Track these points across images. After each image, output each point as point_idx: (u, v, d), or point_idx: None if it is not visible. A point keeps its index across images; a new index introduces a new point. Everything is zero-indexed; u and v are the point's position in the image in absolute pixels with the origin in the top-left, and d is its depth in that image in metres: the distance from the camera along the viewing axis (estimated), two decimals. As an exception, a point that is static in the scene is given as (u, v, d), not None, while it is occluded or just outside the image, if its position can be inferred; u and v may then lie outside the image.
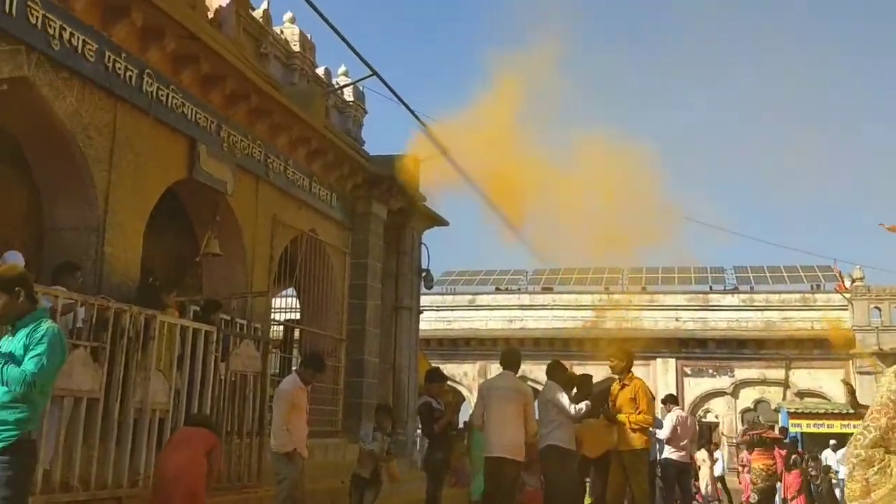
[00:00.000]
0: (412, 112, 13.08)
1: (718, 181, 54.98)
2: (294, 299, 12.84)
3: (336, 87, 13.40)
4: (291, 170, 10.85)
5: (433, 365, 17.38)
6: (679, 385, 26.57)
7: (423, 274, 15.30)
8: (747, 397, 27.22)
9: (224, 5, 9.98)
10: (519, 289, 29.72)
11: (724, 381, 27.26)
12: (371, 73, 11.80)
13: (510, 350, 8.23)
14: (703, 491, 15.77)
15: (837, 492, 15.38)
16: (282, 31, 12.07)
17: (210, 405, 7.42)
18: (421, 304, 15.91)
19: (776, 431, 18.14)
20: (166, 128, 8.29)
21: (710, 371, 27.24)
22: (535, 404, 7.72)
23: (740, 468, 16.99)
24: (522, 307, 28.40)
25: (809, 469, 15.01)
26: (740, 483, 16.58)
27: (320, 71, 12.97)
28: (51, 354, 3.75)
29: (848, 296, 26.36)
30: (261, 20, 11.23)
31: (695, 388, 27.19)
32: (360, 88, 14.01)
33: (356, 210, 12.76)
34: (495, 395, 7.32)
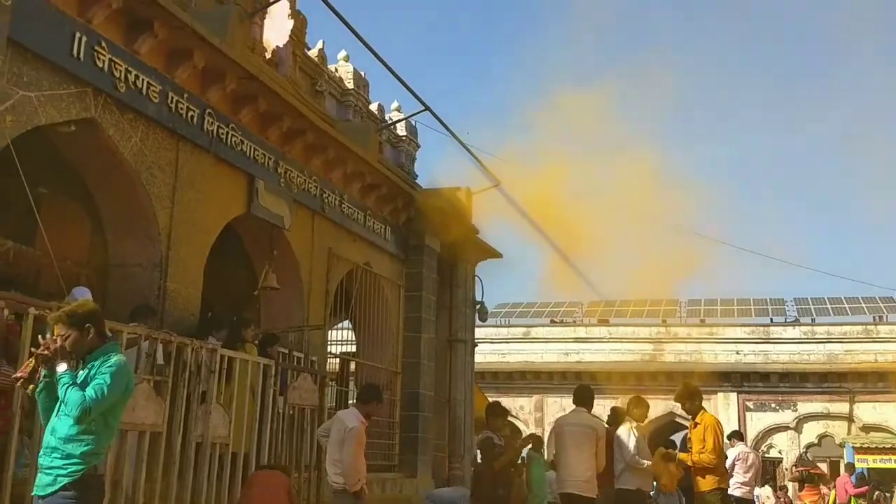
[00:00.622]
0: (464, 146, 13.19)
1: (777, 211, 53.84)
2: (349, 332, 12.92)
3: (389, 122, 13.57)
4: (346, 204, 10.98)
5: (489, 398, 17.25)
6: (741, 420, 25.82)
7: (478, 306, 15.26)
8: (811, 432, 26.34)
9: (281, 46, 10.22)
10: (574, 321, 29.40)
11: (786, 416, 26.46)
12: (424, 108, 11.95)
13: (583, 387, 8.17)
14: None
15: None
16: (336, 70, 12.30)
17: (269, 439, 7.47)
18: (476, 336, 15.85)
19: (842, 467, 17.49)
20: (226, 165, 8.48)
21: (773, 405, 26.47)
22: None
23: None
24: (578, 340, 28.04)
25: None
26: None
27: (374, 107, 13.16)
28: (113, 384, 3.77)
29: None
30: (316, 59, 11.47)
31: (757, 422, 26.41)
32: (413, 123, 14.17)
33: (410, 243, 12.83)
34: (568, 431, 7.35)
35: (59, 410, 3.81)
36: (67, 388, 3.72)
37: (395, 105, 13.98)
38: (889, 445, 21.49)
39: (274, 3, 9.83)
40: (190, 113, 7.82)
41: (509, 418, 25.36)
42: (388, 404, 11.83)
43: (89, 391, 3.73)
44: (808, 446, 26.28)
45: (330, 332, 11.88)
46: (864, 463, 20.85)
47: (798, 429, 26.38)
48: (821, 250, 58.42)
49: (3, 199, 6.88)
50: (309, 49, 11.34)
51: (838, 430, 25.66)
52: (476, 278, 15.14)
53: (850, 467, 18.73)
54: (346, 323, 12.88)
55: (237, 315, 8.46)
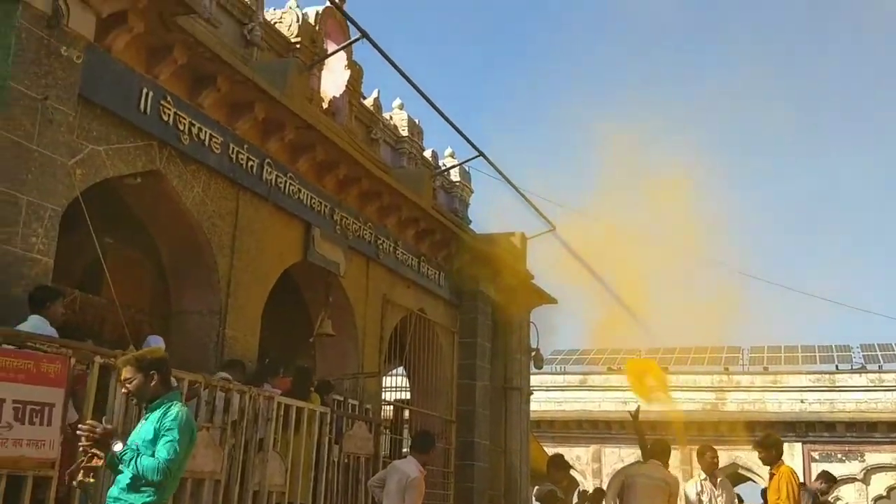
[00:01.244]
0: (518, 190, 13.19)
1: (844, 255, 52.51)
2: (403, 378, 12.88)
3: (443, 168, 13.68)
4: (401, 250, 11.05)
5: (545, 448, 16.95)
6: (806, 471, 24.81)
7: (533, 353, 15.09)
8: (880, 484, 25.20)
9: (338, 96, 10.45)
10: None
11: (854, 467, 25.38)
12: (477, 153, 12.03)
13: (661, 440, 8.06)
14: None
15: None
16: (391, 117, 12.49)
17: (324, 488, 7.44)
18: (531, 384, 15.65)
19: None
20: (284, 213, 8.63)
21: (839, 456, 25.42)
22: None
23: None
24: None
25: None
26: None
27: (428, 153, 13.30)
28: (182, 439, 3.81)
29: None
30: (371, 108, 11.68)
31: (823, 474, 25.36)
32: (467, 168, 14.26)
33: (464, 289, 12.80)
34: (641, 483, 7.29)
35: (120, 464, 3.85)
36: (135, 459, 3.75)
37: (448, 151, 14.12)
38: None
39: (331, 55, 10.07)
40: (250, 163, 8.00)
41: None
42: (443, 453, 11.70)
43: (161, 451, 3.75)
44: (877, 499, 25.13)
45: (384, 378, 11.87)
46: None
47: (866, 480, 25.27)
48: (888, 295, 56.53)
49: (72, 250, 7.09)
50: (364, 98, 11.55)
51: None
52: (531, 324, 15.01)
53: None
54: (400, 370, 12.86)
55: (301, 366, 8.53)
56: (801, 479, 13.63)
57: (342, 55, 10.35)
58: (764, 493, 10.41)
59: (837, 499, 25.06)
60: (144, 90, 6.69)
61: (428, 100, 10.21)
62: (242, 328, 7.88)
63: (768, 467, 7.36)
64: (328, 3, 9.77)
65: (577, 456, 26.96)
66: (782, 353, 28.20)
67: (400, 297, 11.09)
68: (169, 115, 6.96)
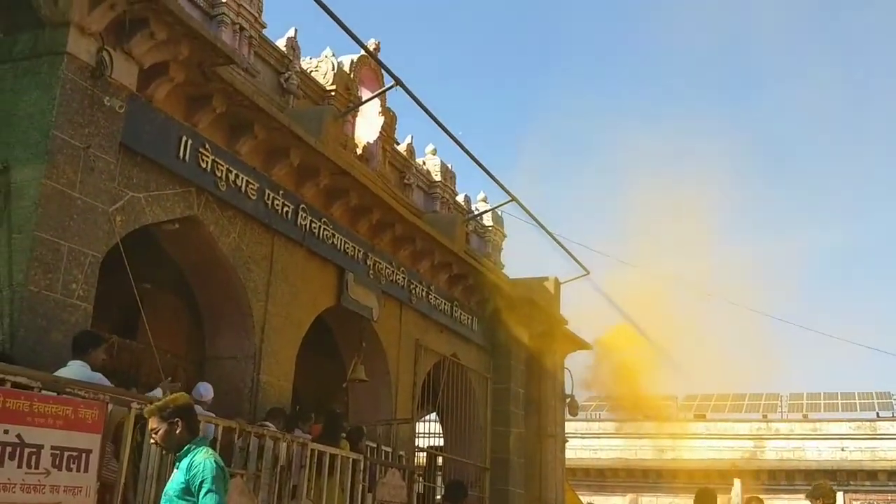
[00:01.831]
0: (552, 236, 13.14)
1: (879, 302, 51.48)
2: (436, 424, 12.75)
3: (476, 213, 13.70)
4: (433, 294, 11.02)
5: (580, 497, 16.61)
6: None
7: (568, 400, 14.87)
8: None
9: (371, 141, 10.55)
10: (669, 416, 28.26)
11: (903, 516, 24.54)
12: (510, 198, 12.02)
13: (706, 491, 7.82)
14: None
15: None
16: (424, 163, 12.58)
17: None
18: (566, 431, 15.39)
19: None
20: (318, 258, 8.67)
21: (887, 504, 24.60)
22: None
23: None
24: (673, 436, 26.88)
25: None
26: None
27: (460, 198, 13.35)
28: (218, 486, 3.79)
29: None
30: (405, 153, 11.78)
31: (867, 524, 24.55)
32: (500, 213, 14.26)
33: (497, 334, 12.71)
34: None
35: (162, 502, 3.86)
36: None
37: (481, 196, 14.15)
38: None
39: (366, 102, 10.20)
40: (285, 208, 8.07)
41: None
42: (478, 502, 11.51)
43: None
44: (922, 551, 24.22)
45: (417, 425, 11.76)
46: None
47: (918, 530, 24.41)
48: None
49: (110, 295, 7.17)
50: (398, 144, 11.66)
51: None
52: (566, 370, 14.82)
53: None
54: (433, 416, 12.74)
55: (332, 410, 8.48)
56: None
57: (376, 102, 10.49)
58: None
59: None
60: (184, 138, 6.81)
61: (460, 145, 10.28)
62: (276, 373, 7.87)
63: None
64: (363, 52, 9.92)
65: (614, 505, 26.37)
66: (822, 401, 27.54)
67: (433, 342, 11.03)
68: (207, 162, 7.07)
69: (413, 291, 10.53)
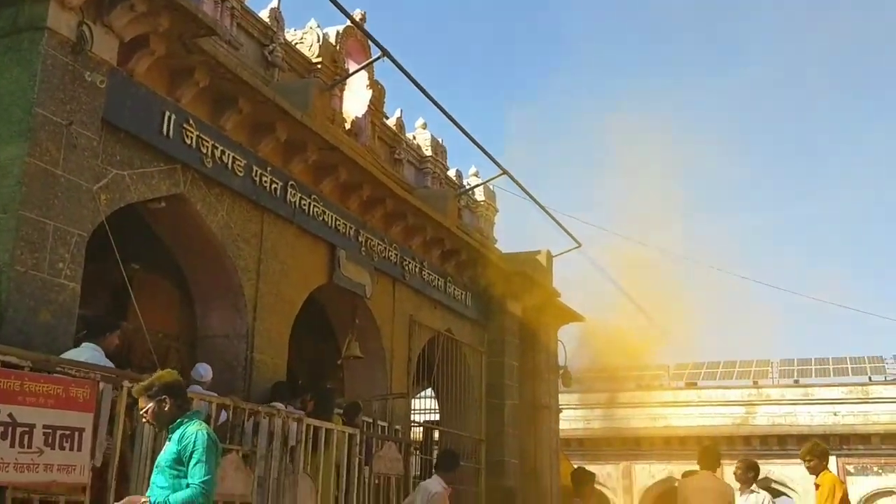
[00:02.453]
0: (544, 209, 13.09)
1: (871, 265, 51.82)
2: (432, 400, 12.77)
3: (467, 187, 13.62)
4: (426, 271, 10.97)
5: (575, 466, 16.71)
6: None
7: (561, 371, 14.93)
8: (919, 499, 24.64)
9: (360, 116, 10.43)
10: (661, 385, 28.48)
11: (891, 480, 24.85)
12: (501, 172, 11.95)
13: (710, 449, 7.78)
14: None
15: None
16: (414, 137, 12.47)
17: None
18: (560, 402, 15.46)
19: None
20: (308, 236, 8.59)
21: (875, 469, 24.90)
22: None
23: None
24: (665, 404, 27.11)
25: None
26: None
27: (451, 173, 13.25)
28: (209, 459, 3.80)
29: None
30: (394, 128, 11.66)
31: (859, 487, 24.80)
32: (491, 187, 14.19)
33: (491, 308, 12.69)
34: (699, 496, 7.05)
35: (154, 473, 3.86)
36: (168, 501, 3.73)
37: (472, 170, 14.07)
38: None
39: (353, 74, 10.06)
40: (273, 185, 7.97)
41: (596, 485, 24.56)
42: (474, 473, 11.56)
43: (194, 475, 3.75)
44: (916, 512, 24.58)
45: (413, 400, 11.76)
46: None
47: (904, 493, 24.76)
48: (918, 304, 55.63)
49: (98, 276, 7.08)
50: (387, 118, 11.54)
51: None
52: (559, 343, 14.85)
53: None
54: (428, 391, 12.75)
55: (324, 386, 8.48)
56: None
57: (364, 75, 10.35)
58: None
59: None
60: (167, 113, 6.69)
61: (450, 118, 10.17)
62: (270, 351, 7.82)
63: (813, 477, 7.16)
64: (349, 23, 9.77)
65: (608, 473, 26.61)
66: (813, 366, 27.76)
67: (427, 317, 11.00)
68: (192, 138, 6.96)
69: (406, 268, 10.48)
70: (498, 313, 12.73)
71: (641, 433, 26.19)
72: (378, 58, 9.57)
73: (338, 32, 10.16)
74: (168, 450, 3.89)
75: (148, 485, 4.07)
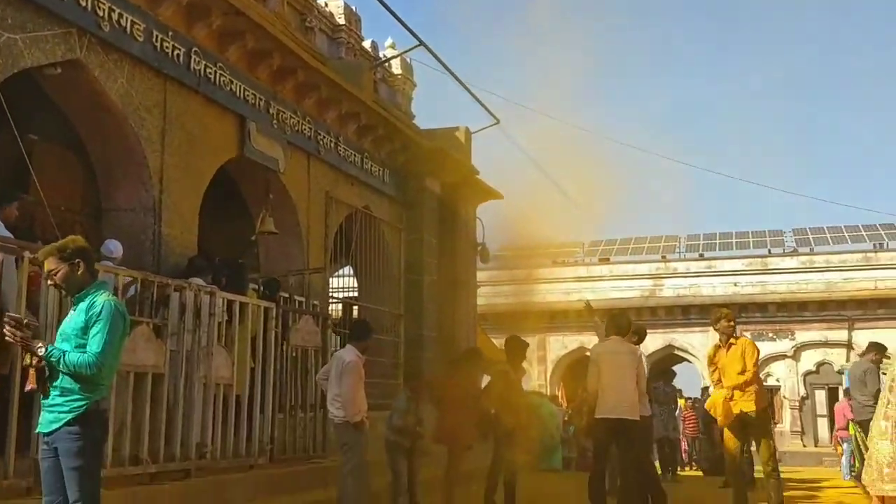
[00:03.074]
0: (461, 83, 12.95)
1: (774, 142, 53.60)
2: (351, 279, 12.86)
3: (383, 59, 13.27)
4: (342, 146, 10.80)
5: (492, 339, 17.31)
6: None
7: (479, 248, 15.16)
8: (809, 360, 26.69)
9: (267, -20, 9.91)
10: (576, 261, 29.40)
11: (784, 345, 26.80)
12: (418, 43, 11.68)
13: (621, 315, 8.11)
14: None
15: None
16: (326, 4, 11.96)
17: (272, 379, 7.46)
18: (478, 278, 15.79)
19: (840, 394, 17.58)
20: (216, 106, 8.29)
21: (770, 335, 26.71)
22: None
23: None
24: (580, 279, 28.09)
25: None
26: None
27: (367, 44, 12.84)
28: (112, 329, 3.74)
29: (915, 253, 25.58)
30: (305, -6, 11.14)
31: (755, 352, 26.68)
32: (408, 61, 13.86)
33: (409, 186, 12.66)
34: (610, 359, 7.38)
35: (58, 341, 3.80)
36: (62, 358, 3.67)
37: (388, 42, 13.67)
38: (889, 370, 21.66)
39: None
40: (176, 51, 7.60)
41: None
42: (393, 346, 11.85)
43: (92, 344, 3.69)
44: (806, 374, 26.65)
45: (332, 278, 11.82)
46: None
47: (796, 357, 26.74)
48: (822, 180, 58.29)
49: (-4, 147, 6.75)
50: (296, -17, 11.00)
51: (837, 357, 25.94)
52: (477, 220, 15.02)
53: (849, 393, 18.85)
54: (348, 270, 12.82)
55: (235, 261, 8.39)
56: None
57: (270, -64, 9.77)
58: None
59: (768, 375, 26.43)
60: (58, -28, 6.23)
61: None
62: (179, 226, 7.67)
63: (726, 338, 7.58)
64: None
65: (524, 346, 27.65)
66: (717, 240, 29.05)
67: (344, 194, 10.91)
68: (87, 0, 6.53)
69: (321, 142, 10.28)
70: (416, 190, 12.72)
71: (556, 307, 27.19)
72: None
73: None
74: (75, 319, 3.82)
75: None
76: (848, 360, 25.28)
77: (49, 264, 3.85)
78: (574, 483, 8.37)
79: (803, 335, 26.62)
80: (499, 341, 16.71)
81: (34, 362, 3.70)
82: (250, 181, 9.54)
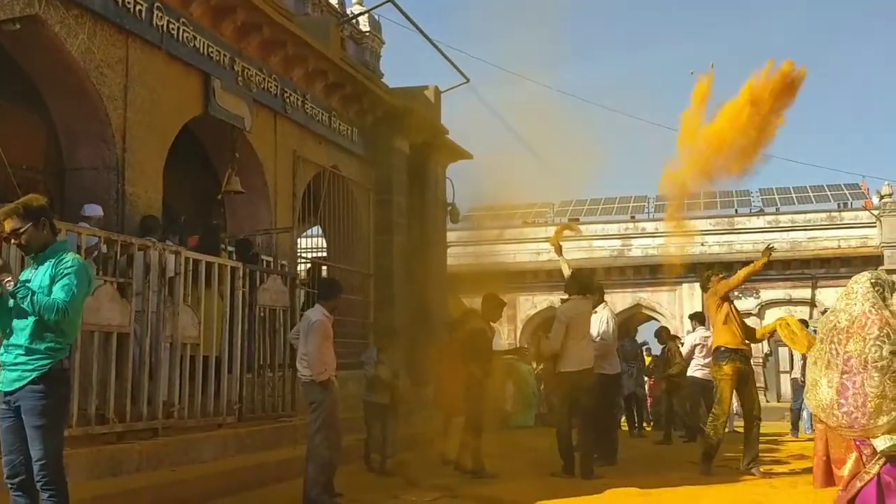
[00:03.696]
0: (431, 41, 12.83)
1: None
2: (321, 239, 12.82)
3: (351, 16, 13.08)
4: (310, 104, 10.69)
5: (462, 298, 17.38)
6: (705, 308, 26.45)
7: (449, 208, 15.15)
8: (773, 317, 27.02)
9: (230, -66, 9.68)
10: (546, 221, 29.53)
11: (749, 303, 27.21)
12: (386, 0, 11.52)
13: (582, 273, 8.43)
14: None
15: None
16: (291, -41, 11.73)
17: (240, 339, 7.47)
18: (448, 239, 15.81)
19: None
20: (179, 63, 8.16)
21: (736, 293, 27.06)
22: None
23: None
24: (550, 239, 28.24)
25: None
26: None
27: (334, 0, 12.64)
28: (79, 283, 3.76)
29: (876, 212, 25.98)
30: (269, -51, 10.91)
31: (720, 310, 27.12)
32: (377, 18, 13.68)
33: (378, 145, 12.56)
34: (577, 317, 7.69)
35: (15, 310, 3.76)
36: (30, 297, 3.66)
37: (356, -3, 13.44)
38: (852, 328, 22.20)
39: None
40: (138, 7, 7.45)
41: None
42: (363, 305, 11.87)
43: (58, 293, 3.68)
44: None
45: (302, 238, 11.77)
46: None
47: (761, 315, 27.21)
48: (787, 139, 58.80)
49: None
50: (260, -62, 10.75)
51: (800, 315, 26.45)
52: (447, 180, 14.98)
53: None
54: (317, 230, 12.77)
55: (209, 222, 8.35)
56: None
57: None
58: (658, 332, 11.39)
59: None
60: (11, -77, 6.05)
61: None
62: (143, 184, 7.59)
63: (677, 300, 7.93)
64: None
65: (494, 305, 27.86)
66: (686, 200, 29.25)
67: (311, 153, 10.83)
68: (42, -48, 6.36)
69: (287, 100, 10.17)
70: (385, 150, 12.63)
71: (527, 268, 27.38)
72: None
73: None
74: (40, 277, 3.80)
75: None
76: (811, 318, 25.85)
77: (13, 223, 3.81)
78: (546, 438, 8.56)
79: (768, 293, 27.07)
80: (469, 301, 16.84)
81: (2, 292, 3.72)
82: (216, 140, 9.43)
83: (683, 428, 11.83)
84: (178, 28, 8.00)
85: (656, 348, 15.06)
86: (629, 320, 25.96)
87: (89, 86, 7.07)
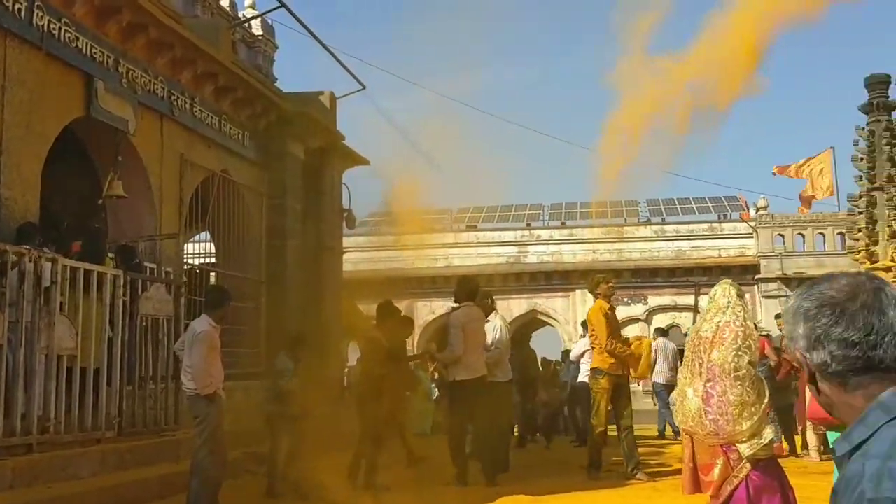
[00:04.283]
0: (325, 46, 12.77)
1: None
2: (210, 244, 12.53)
3: (243, 19, 12.88)
4: (198, 107, 10.46)
5: (358, 306, 17.35)
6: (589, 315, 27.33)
7: (345, 214, 15.10)
8: (660, 322, 28.23)
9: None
10: (443, 227, 29.81)
11: (638, 309, 28.27)
12: (279, 4, 11.42)
13: (467, 280, 8.48)
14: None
15: None
16: (181, -40, 11.47)
17: (119, 350, 7.24)
18: (345, 245, 15.75)
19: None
20: (60, 63, 7.85)
21: (626, 300, 28.11)
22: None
23: None
24: (447, 245, 28.54)
25: None
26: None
27: (225, 2, 12.42)
28: None
29: (753, 224, 27.48)
30: (158, -51, 10.63)
31: (610, 315, 28.08)
32: (270, 22, 13.53)
33: (271, 149, 12.40)
34: (471, 324, 7.79)
35: None
36: None
37: (249, 1, 13.26)
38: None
39: None
40: (17, 5, 7.14)
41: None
42: (254, 313, 11.67)
43: None
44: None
45: (189, 244, 11.48)
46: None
47: (648, 320, 28.33)
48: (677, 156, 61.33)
49: None
50: (149, -63, 10.47)
51: (685, 320, 27.67)
52: (343, 186, 14.93)
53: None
54: (206, 235, 12.48)
55: (92, 227, 8.03)
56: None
57: None
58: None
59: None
60: None
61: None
62: (19, 188, 7.25)
63: (570, 306, 8.19)
64: None
65: (391, 311, 27.91)
66: (578, 209, 30.23)
67: (200, 157, 10.59)
68: None
69: (175, 103, 9.91)
70: (279, 154, 12.49)
71: (424, 273, 27.57)
72: None
73: None
74: None
75: None
76: (694, 323, 27.05)
77: None
78: (440, 446, 8.66)
79: (655, 300, 28.19)
80: (366, 307, 16.82)
81: None
82: (99, 142, 9.11)
83: (575, 432, 12.18)
84: (60, 28, 7.70)
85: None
86: (525, 326, 26.50)
87: (-40, 85, 6.72)
